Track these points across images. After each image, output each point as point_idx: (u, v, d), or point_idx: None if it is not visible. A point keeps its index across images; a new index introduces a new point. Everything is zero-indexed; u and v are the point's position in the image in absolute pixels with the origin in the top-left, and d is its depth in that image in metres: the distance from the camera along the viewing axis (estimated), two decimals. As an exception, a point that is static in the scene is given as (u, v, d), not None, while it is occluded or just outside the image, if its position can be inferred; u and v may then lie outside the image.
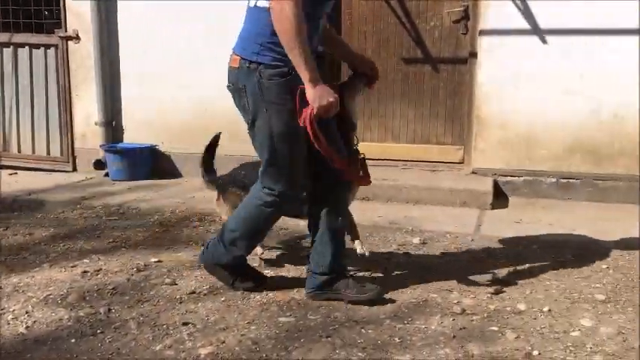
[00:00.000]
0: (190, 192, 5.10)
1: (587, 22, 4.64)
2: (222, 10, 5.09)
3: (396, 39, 5.22)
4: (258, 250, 3.30)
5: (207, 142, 3.41)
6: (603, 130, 4.75)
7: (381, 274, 3.20)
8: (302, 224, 3.33)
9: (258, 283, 3.03)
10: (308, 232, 3.02)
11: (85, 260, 3.43)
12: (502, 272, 3.25)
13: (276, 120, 2.62)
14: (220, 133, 3.42)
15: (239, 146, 5.44)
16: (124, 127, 5.81)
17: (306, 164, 2.76)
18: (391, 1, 5.18)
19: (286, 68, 2.57)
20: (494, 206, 4.62)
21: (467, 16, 5.04)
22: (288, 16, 2.41)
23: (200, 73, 5.49)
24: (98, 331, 2.59)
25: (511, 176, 4.97)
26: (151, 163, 5.66)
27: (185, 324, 2.64)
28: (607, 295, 2.93)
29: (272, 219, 2.92)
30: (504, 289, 3.01)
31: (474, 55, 4.97)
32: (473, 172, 5.05)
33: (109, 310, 2.79)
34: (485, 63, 4.90)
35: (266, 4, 2.53)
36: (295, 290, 2.99)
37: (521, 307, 2.81)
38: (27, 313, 2.76)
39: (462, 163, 5.20)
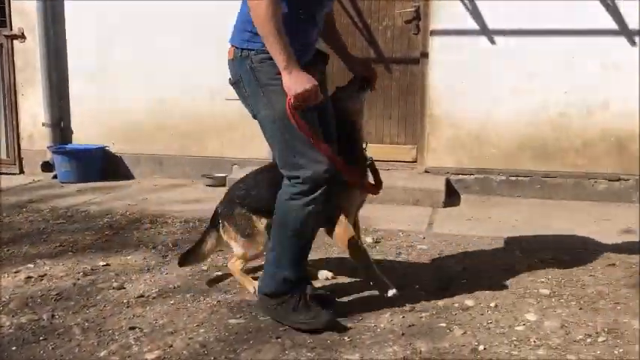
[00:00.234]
0: (142, 193, 5.02)
1: (533, 23, 4.76)
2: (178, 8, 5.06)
3: (349, 39, 5.24)
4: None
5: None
6: (550, 129, 4.88)
7: (332, 275, 3.20)
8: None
9: (329, 310, 2.61)
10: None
11: (29, 265, 3.33)
12: (451, 269, 3.30)
13: (275, 102, 2.44)
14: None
15: (199, 147, 5.45)
16: (72, 128, 5.69)
17: (321, 138, 2.49)
18: (343, 1, 5.20)
19: None
20: (446, 204, 4.69)
21: (418, 17, 5.10)
22: (259, 2, 2.31)
23: (152, 73, 5.44)
24: (41, 338, 2.51)
25: (463, 174, 5.06)
26: (102, 165, 5.55)
27: (132, 328, 2.59)
28: (552, 290, 3.00)
29: (310, 216, 2.52)
30: (453, 285, 3.05)
31: (425, 55, 5.03)
32: (426, 171, 5.11)
33: (53, 316, 2.71)
34: (436, 63, 4.97)
35: None
36: (246, 292, 2.96)
37: (469, 302, 2.85)
38: (-34, 321, 2.66)
39: (416, 162, 5.26)
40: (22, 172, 5.71)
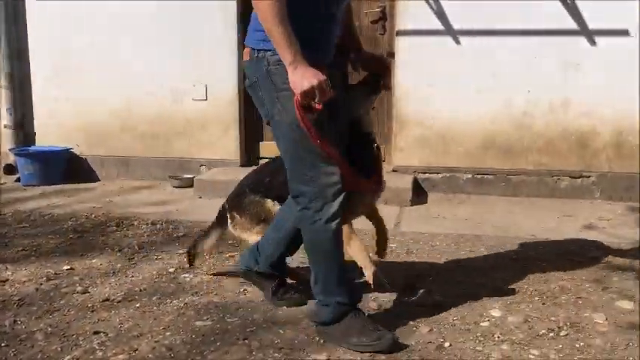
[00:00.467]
0: (108, 196, 4.95)
1: (496, 24, 4.83)
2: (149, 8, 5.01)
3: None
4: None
5: None
6: (514, 127, 4.96)
7: (303, 274, 3.20)
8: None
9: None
10: None
11: (-10, 271, 3.26)
12: (418, 267, 3.34)
13: (290, 109, 2.32)
14: None
15: (165, 148, 5.39)
16: (35, 130, 5.58)
17: (333, 146, 2.39)
18: (310, 1, 5.20)
19: None
20: (413, 203, 4.73)
21: (384, 17, 5.13)
22: None
23: (116, 74, 5.37)
24: (2, 344, 2.46)
25: (430, 173, 5.11)
26: (66, 167, 5.45)
27: (96, 333, 2.55)
28: (516, 286, 3.06)
29: (337, 233, 2.46)
30: (420, 283, 3.08)
31: (392, 55, 5.06)
32: (394, 170, 5.15)
33: (15, 321, 2.65)
34: (403, 63, 5.01)
35: None
36: (214, 293, 2.95)
37: (436, 299, 2.88)
38: None
39: (384, 161, 5.28)
40: (-17, 175, 5.58)
